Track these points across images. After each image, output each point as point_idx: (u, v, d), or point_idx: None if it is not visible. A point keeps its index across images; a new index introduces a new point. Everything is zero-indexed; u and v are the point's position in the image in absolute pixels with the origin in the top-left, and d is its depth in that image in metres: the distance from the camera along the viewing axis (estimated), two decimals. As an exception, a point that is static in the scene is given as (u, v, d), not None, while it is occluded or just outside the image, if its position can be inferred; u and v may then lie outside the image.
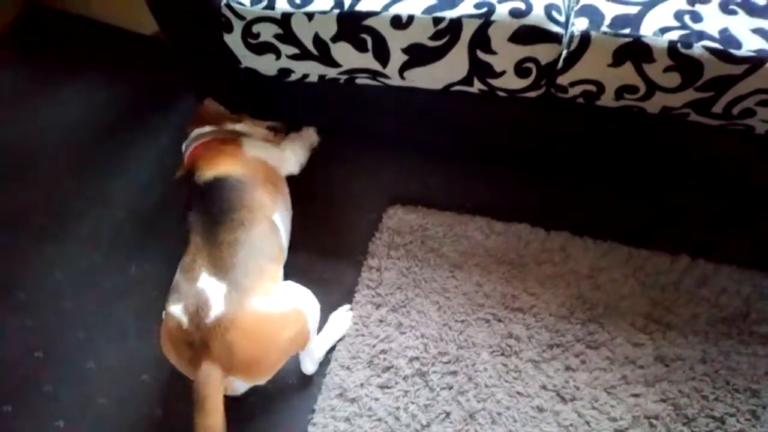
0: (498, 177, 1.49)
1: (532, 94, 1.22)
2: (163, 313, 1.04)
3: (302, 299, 1.09)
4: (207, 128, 1.32)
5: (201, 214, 1.11)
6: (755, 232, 1.33)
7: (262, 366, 1.01)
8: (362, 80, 1.30)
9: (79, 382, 1.27)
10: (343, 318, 1.26)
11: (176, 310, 1.00)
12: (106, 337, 1.33)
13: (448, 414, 1.13)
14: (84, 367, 1.29)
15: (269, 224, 1.15)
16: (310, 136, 1.51)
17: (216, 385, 0.94)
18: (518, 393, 1.14)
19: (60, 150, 1.65)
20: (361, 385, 1.18)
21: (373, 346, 1.23)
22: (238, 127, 1.36)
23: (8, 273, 1.44)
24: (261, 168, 1.26)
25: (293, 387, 1.22)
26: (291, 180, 1.43)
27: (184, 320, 0.98)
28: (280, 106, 1.52)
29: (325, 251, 1.41)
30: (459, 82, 1.22)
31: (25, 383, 1.28)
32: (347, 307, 1.29)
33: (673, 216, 1.38)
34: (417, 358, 1.21)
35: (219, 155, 1.23)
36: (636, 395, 1.13)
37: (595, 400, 1.12)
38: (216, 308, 0.97)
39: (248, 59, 1.31)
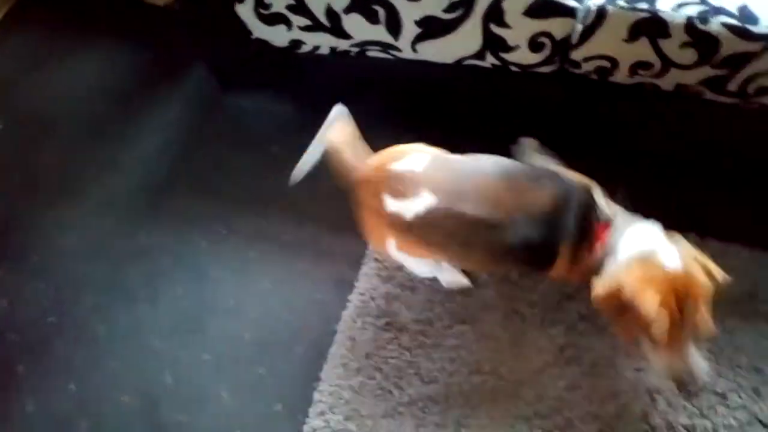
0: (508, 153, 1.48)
1: (546, 69, 1.21)
2: None
3: None
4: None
5: None
6: (761, 209, 1.32)
7: None
8: (374, 53, 1.29)
9: (90, 346, 1.30)
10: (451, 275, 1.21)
11: None
12: (117, 302, 1.35)
13: (451, 374, 1.14)
14: (96, 331, 1.32)
15: None
16: None
17: None
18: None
19: (74, 117, 1.66)
20: (367, 355, 1.20)
21: (380, 318, 1.25)
22: None
23: (22, 236, 1.46)
24: None
25: (300, 355, 1.24)
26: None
27: None
28: (291, 81, 1.52)
29: (334, 224, 1.42)
30: (471, 56, 1.21)
31: (38, 345, 1.31)
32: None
33: (681, 195, 1.37)
34: (422, 332, 1.22)
35: None
36: (639, 370, 1.13)
37: (600, 375, 1.13)
38: None
39: (259, 30, 1.31)
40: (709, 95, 1.13)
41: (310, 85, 1.52)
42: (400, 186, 0.96)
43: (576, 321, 1.19)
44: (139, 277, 1.38)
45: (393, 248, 1.02)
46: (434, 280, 1.23)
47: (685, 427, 1.07)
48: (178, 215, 1.47)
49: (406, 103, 1.47)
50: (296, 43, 1.31)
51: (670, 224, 1.30)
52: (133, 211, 1.48)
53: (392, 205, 0.96)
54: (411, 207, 0.94)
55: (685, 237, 1.28)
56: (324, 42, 1.28)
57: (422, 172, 0.96)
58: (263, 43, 1.35)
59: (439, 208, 0.93)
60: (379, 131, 1.51)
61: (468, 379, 1.14)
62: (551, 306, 1.21)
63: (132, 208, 1.49)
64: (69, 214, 1.49)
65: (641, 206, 1.33)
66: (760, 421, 1.06)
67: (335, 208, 1.45)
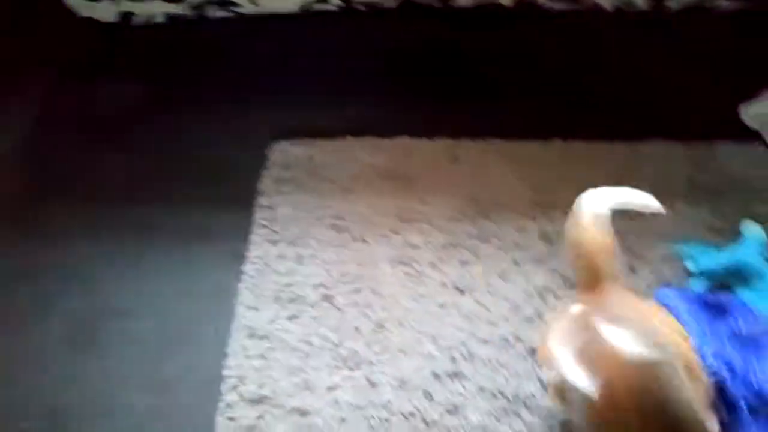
0: (375, 97, 1.50)
1: (391, 3, 1.20)
2: None
3: None
4: None
5: None
6: (616, 107, 1.42)
7: None
8: (213, 12, 1.23)
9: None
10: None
11: None
12: (4, 327, 1.24)
13: (357, 328, 1.16)
14: None
15: None
16: None
17: None
18: (420, 295, 1.19)
19: None
20: (270, 321, 1.18)
21: (277, 282, 1.23)
22: None
23: None
24: None
25: (207, 338, 1.20)
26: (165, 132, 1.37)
27: None
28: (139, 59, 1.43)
29: (214, 200, 1.38)
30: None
31: None
32: None
33: (540, 106, 1.44)
34: (321, 284, 1.22)
35: None
36: (526, 274, 1.20)
37: (490, 286, 1.19)
38: None
39: (84, 8, 1.21)
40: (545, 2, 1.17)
41: (158, 61, 1.44)
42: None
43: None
44: (25, 296, 1.28)
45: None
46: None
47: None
48: (52, 224, 1.37)
49: (260, 67, 1.43)
50: (127, 16, 1.22)
51: (535, 135, 1.38)
52: (4, 228, 1.36)
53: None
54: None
55: (550, 143, 1.37)
56: (157, 9, 1.21)
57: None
58: (94, 22, 1.25)
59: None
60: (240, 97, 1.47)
61: (373, 332, 1.15)
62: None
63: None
64: None
65: (507, 123, 1.40)
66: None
67: (214, 186, 1.41)
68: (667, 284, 1.15)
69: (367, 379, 1.10)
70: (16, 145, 1.47)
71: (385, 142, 1.42)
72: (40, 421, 1.13)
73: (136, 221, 1.37)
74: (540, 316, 1.14)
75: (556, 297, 1.16)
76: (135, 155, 1.46)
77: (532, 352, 1.10)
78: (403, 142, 1.42)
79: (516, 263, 1.22)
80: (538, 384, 1.07)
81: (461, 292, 1.19)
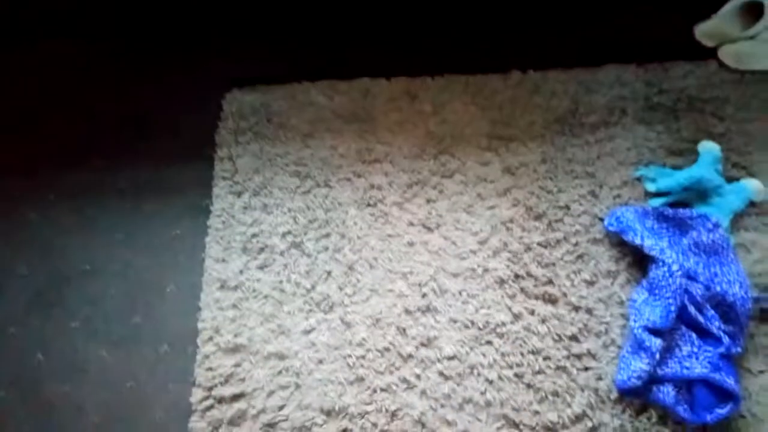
0: (326, 39, 1.45)
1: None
2: None
3: None
4: None
5: None
6: (570, 34, 1.40)
7: None
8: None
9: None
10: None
11: None
12: None
13: (329, 272, 1.16)
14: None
15: None
16: None
17: None
18: (389, 235, 1.20)
19: None
20: (240, 271, 1.18)
21: (244, 233, 1.22)
22: None
23: None
24: None
25: (174, 293, 1.20)
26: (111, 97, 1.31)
27: None
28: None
29: (170, 156, 1.34)
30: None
31: None
32: None
33: (495, 38, 1.42)
34: (289, 232, 1.22)
35: None
36: (491, 207, 1.21)
37: (456, 222, 1.20)
38: None
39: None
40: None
41: (102, 16, 1.36)
42: None
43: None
44: None
45: None
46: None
47: (540, 243, 1.17)
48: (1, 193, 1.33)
49: (207, 16, 1.36)
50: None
51: (493, 68, 1.36)
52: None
53: None
54: None
55: (508, 75, 1.36)
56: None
57: None
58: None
59: None
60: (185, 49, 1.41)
61: (344, 274, 1.16)
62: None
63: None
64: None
65: (465, 56, 1.38)
66: (600, 219, 1.18)
67: (169, 141, 1.37)
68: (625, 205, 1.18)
69: (342, 320, 1.11)
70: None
71: (342, 85, 1.38)
72: (13, 388, 1.13)
73: (93, 182, 1.33)
74: (506, 247, 1.16)
75: (522, 228, 1.18)
76: (83, 114, 1.40)
77: (501, 282, 1.13)
78: (361, 83, 1.38)
79: (480, 197, 1.23)
80: (508, 313, 1.10)
81: (428, 229, 1.20)
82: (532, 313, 1.10)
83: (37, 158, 1.37)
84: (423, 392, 1.03)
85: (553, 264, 1.14)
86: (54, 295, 1.22)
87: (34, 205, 1.31)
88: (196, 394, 1.05)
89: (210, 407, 1.03)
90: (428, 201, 1.23)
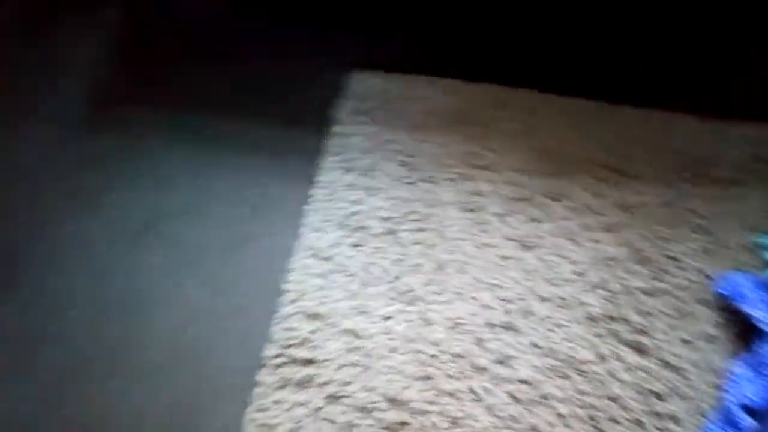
0: (461, 38, 1.45)
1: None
2: None
3: None
4: None
5: None
6: (707, 76, 1.34)
7: None
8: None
9: (31, 263, 1.26)
10: None
11: None
12: (64, 212, 1.30)
13: (418, 266, 1.16)
14: (36, 247, 1.28)
15: None
16: None
17: None
18: (484, 244, 1.18)
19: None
20: (334, 245, 1.20)
21: (344, 209, 1.24)
22: None
23: None
24: None
25: (266, 250, 1.23)
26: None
27: None
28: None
29: (286, 122, 1.38)
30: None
31: None
32: None
33: (635, 69, 1.37)
34: (387, 218, 1.22)
35: None
36: (596, 241, 1.17)
37: (556, 247, 1.17)
38: None
39: None
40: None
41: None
42: None
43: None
44: (89, 184, 1.33)
45: None
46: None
47: (641, 289, 1.12)
48: (133, 123, 1.42)
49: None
50: None
51: (623, 99, 1.32)
52: (80, 120, 1.41)
53: None
54: None
55: (638, 110, 1.30)
56: None
57: None
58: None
59: None
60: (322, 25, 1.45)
61: (433, 271, 1.15)
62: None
63: (76, 116, 1.42)
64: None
65: (599, 82, 1.34)
66: (710, 279, 1.11)
67: (290, 109, 1.41)
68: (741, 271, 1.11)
69: (421, 316, 1.11)
70: (112, 50, 1.51)
71: (466, 86, 1.38)
72: (88, 310, 1.18)
73: (211, 134, 1.39)
74: (605, 285, 1.12)
75: (625, 269, 1.13)
76: (217, 69, 1.48)
77: (592, 319, 1.08)
78: (484, 88, 1.38)
79: (586, 228, 1.19)
80: (593, 352, 1.05)
81: (526, 247, 1.17)
82: (619, 358, 1.05)
83: (175, 99, 1.44)
84: (489, 408, 1.01)
85: (651, 314, 1.09)
86: (157, 227, 1.28)
87: (161, 140, 1.39)
88: (270, 350, 1.08)
89: (281, 365, 1.05)
90: (531, 219, 1.21)
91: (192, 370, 1.10)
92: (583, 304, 1.10)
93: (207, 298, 1.19)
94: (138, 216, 1.30)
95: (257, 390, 1.05)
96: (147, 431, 1.04)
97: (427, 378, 1.05)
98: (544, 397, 1.02)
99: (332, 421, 1.01)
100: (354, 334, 1.09)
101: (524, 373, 1.04)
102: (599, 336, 1.07)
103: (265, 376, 1.06)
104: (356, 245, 1.20)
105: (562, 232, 1.19)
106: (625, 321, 1.08)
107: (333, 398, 1.04)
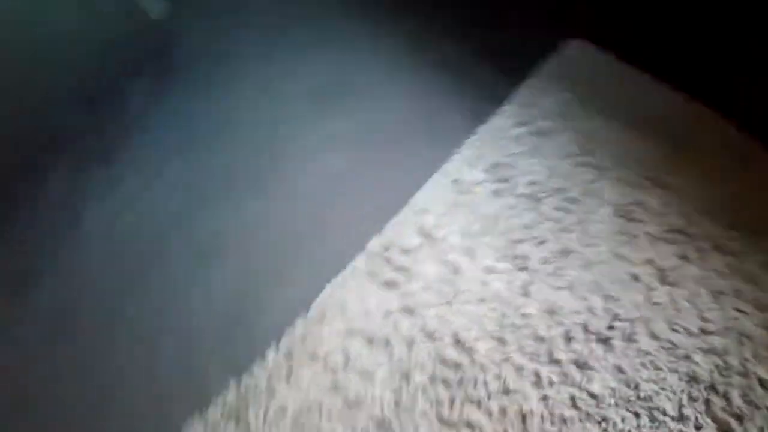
0: (701, 50, 1.32)
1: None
2: None
3: None
4: None
5: None
6: None
7: None
8: None
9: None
10: None
11: None
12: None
13: (544, 241, 1.12)
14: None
15: None
16: None
17: None
18: (621, 255, 1.11)
19: None
20: (476, 183, 1.20)
21: (500, 157, 1.23)
22: None
23: None
24: None
25: (408, 163, 1.26)
26: None
27: None
28: None
29: (492, 61, 1.37)
30: None
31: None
32: None
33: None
34: (536, 184, 1.19)
35: None
36: (741, 311, 1.05)
37: (695, 295, 1.06)
38: None
39: None
40: None
41: None
42: None
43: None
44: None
45: None
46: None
47: (762, 380, 0.99)
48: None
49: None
50: None
51: None
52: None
53: None
54: None
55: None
56: None
57: None
58: None
59: None
60: None
61: (554, 255, 1.11)
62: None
63: None
64: None
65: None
66: None
67: (496, 56, 1.39)
68: None
69: (523, 286, 1.08)
70: None
71: (682, 99, 1.27)
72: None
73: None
74: (724, 354, 1.01)
75: (755, 354, 1.01)
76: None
77: (693, 379, 0.99)
78: (700, 109, 1.25)
79: (736, 294, 1.06)
80: (677, 408, 0.97)
81: (663, 279, 1.09)
82: (699, 428, 0.96)
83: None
84: (545, 398, 0.98)
85: (757, 406, 0.97)
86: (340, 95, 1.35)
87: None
88: (375, 241, 1.12)
89: (378, 259, 1.09)
90: (682, 257, 1.11)
91: (294, 238, 1.17)
92: (691, 360, 1.01)
93: (347, 171, 1.25)
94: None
95: (347, 271, 1.10)
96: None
97: (501, 341, 1.03)
98: (604, 419, 0.96)
99: (397, 329, 1.04)
100: (453, 268, 1.09)
101: (596, 387, 0.99)
102: (691, 398, 0.98)
103: (360, 262, 1.11)
104: (496, 193, 1.18)
105: (709, 284, 1.08)
106: (726, 398, 0.98)
107: (407, 311, 1.06)
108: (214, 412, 1.02)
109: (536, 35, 1.39)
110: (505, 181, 1.20)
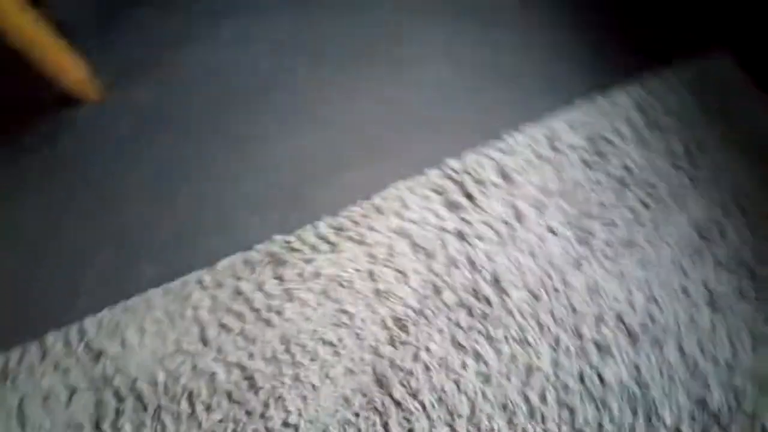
0: None
1: None
2: None
3: None
4: None
5: None
6: None
7: None
8: None
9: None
10: None
11: None
12: None
13: (613, 224, 1.12)
14: None
15: None
16: None
17: None
18: (681, 266, 1.10)
19: None
20: (571, 146, 1.18)
21: (605, 129, 1.20)
22: None
23: None
24: None
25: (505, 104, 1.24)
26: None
27: None
28: None
29: (633, 43, 1.31)
30: None
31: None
32: None
33: None
34: (629, 169, 1.17)
35: None
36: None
37: (735, 330, 1.05)
38: None
39: None
40: None
41: None
42: None
43: None
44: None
45: None
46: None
47: None
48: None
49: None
50: None
51: None
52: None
53: None
54: None
55: None
56: None
57: None
58: None
59: None
60: None
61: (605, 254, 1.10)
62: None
63: None
64: None
65: None
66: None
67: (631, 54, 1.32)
68: None
69: (577, 258, 1.09)
70: None
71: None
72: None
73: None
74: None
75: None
76: None
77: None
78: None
79: (779, 346, 1.05)
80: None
81: (712, 304, 1.07)
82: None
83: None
84: (556, 362, 1.00)
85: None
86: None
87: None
88: (454, 162, 1.13)
89: (449, 178, 1.12)
90: (737, 289, 1.09)
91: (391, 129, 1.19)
92: (707, 387, 1.02)
93: (453, 82, 1.25)
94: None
95: (419, 177, 1.12)
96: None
97: (536, 297, 1.05)
98: (604, 404, 0.99)
99: (445, 246, 1.07)
100: (519, 214, 1.10)
101: (608, 373, 1.01)
102: (692, 418, 0.99)
103: (433, 175, 1.13)
104: (587, 163, 1.17)
105: (754, 327, 1.07)
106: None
107: (460, 235, 1.08)
108: (253, 255, 1.08)
109: (684, 34, 1.32)
110: (601, 155, 1.18)
